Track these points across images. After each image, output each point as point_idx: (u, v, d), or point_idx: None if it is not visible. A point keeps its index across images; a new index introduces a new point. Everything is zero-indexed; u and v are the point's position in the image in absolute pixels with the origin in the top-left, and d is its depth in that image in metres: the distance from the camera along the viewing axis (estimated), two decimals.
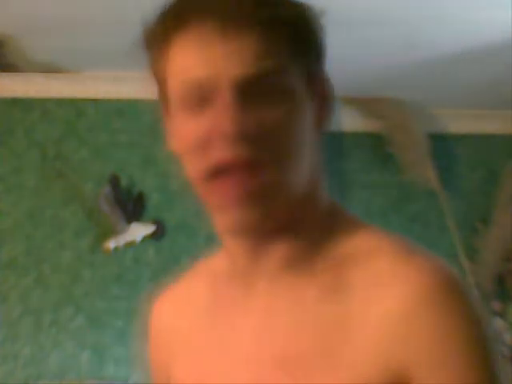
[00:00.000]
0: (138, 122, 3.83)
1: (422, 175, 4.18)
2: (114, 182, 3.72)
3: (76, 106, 3.83)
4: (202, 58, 0.90)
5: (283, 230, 0.96)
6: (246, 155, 0.89)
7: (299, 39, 0.94)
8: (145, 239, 3.73)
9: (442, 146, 4.34)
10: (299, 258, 0.96)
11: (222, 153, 0.89)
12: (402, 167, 4.22)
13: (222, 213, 0.93)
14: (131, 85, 3.79)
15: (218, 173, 0.90)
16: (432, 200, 4.24)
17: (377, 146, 4.30)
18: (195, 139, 0.91)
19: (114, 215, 3.70)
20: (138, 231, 3.73)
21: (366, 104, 4.21)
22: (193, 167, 0.93)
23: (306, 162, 0.95)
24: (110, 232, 3.71)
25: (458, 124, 4.42)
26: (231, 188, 0.90)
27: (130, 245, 3.72)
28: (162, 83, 0.96)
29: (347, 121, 4.31)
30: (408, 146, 4.19)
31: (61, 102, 3.83)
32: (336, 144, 4.35)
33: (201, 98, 0.91)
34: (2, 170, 3.74)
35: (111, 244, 3.69)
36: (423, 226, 4.29)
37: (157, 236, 3.75)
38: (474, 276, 4.18)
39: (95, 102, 3.85)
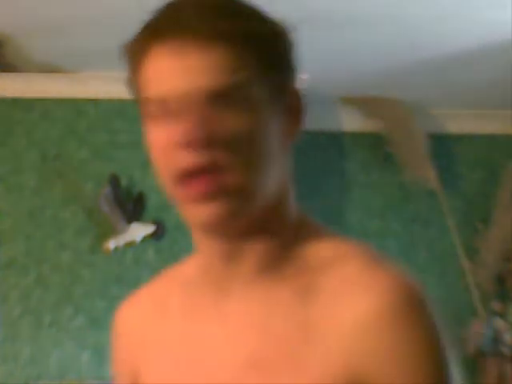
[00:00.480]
0: (138, 122, 3.80)
1: (422, 175, 4.18)
2: (114, 182, 3.72)
3: (76, 106, 3.84)
4: (172, 70, 0.95)
5: (255, 234, 1.00)
6: (208, 161, 0.94)
7: (268, 54, 0.98)
8: (145, 239, 3.74)
9: (442, 145, 4.34)
10: (272, 262, 1.01)
11: (185, 159, 0.95)
12: (401, 167, 4.22)
13: (191, 209, 0.98)
14: None
15: (184, 177, 0.96)
16: (432, 200, 4.24)
17: (377, 146, 4.30)
18: (163, 147, 0.97)
19: (114, 215, 3.70)
20: (138, 231, 3.73)
21: (366, 104, 4.21)
22: (162, 173, 1.00)
23: (271, 169, 0.99)
24: (110, 232, 3.71)
25: (458, 124, 4.42)
26: (196, 188, 0.96)
27: (130, 245, 3.72)
28: (137, 95, 1.03)
29: (347, 121, 4.32)
30: (408, 146, 4.20)
31: (61, 102, 3.83)
32: (336, 144, 4.36)
33: (170, 107, 0.96)
34: (2, 169, 3.74)
35: (111, 244, 3.69)
36: (423, 226, 4.29)
37: (157, 236, 3.75)
38: (474, 276, 4.18)
39: (95, 102, 3.85)
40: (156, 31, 0.97)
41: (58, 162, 3.76)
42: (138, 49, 0.99)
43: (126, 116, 3.83)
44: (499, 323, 4.10)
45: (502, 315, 4.13)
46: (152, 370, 1.07)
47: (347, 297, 0.94)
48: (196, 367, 1.02)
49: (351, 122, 4.30)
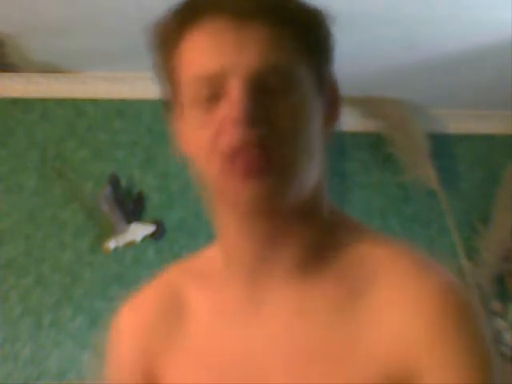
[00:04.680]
0: (138, 122, 3.83)
1: (422, 175, 4.18)
2: (114, 182, 3.72)
3: (76, 106, 3.84)
4: (214, 51, 0.93)
5: (294, 225, 0.97)
6: (255, 138, 0.91)
7: (310, 39, 0.97)
8: (145, 239, 3.73)
9: (442, 145, 4.34)
10: (310, 260, 0.97)
11: (231, 137, 0.91)
12: (402, 167, 4.22)
13: (237, 187, 0.93)
14: (131, 85, 3.79)
15: (232, 154, 0.92)
16: (432, 200, 4.24)
17: (377, 146, 4.30)
18: (209, 135, 0.93)
19: (114, 215, 3.70)
20: (138, 231, 3.73)
21: (366, 104, 4.21)
22: (208, 161, 0.95)
23: (315, 153, 0.97)
24: (110, 232, 3.71)
25: (458, 124, 4.42)
26: (244, 163, 0.92)
27: (130, 245, 3.72)
28: (172, 82, 0.98)
29: (347, 121, 4.31)
30: (408, 146, 4.19)
31: (61, 102, 3.83)
32: (336, 144, 4.35)
33: (214, 91, 0.93)
34: (1, 169, 3.74)
35: (111, 244, 3.69)
36: (423, 226, 4.29)
37: (157, 236, 3.75)
38: (474, 276, 4.18)
39: (95, 101, 3.85)
40: (194, 12, 0.94)
41: (58, 162, 3.76)
42: (174, 32, 0.95)
43: (126, 116, 3.83)
44: (499, 323, 4.10)
45: (502, 315, 4.12)
46: (178, 372, 1.03)
47: (396, 305, 0.92)
48: (230, 371, 0.98)
49: (351, 122, 4.30)
